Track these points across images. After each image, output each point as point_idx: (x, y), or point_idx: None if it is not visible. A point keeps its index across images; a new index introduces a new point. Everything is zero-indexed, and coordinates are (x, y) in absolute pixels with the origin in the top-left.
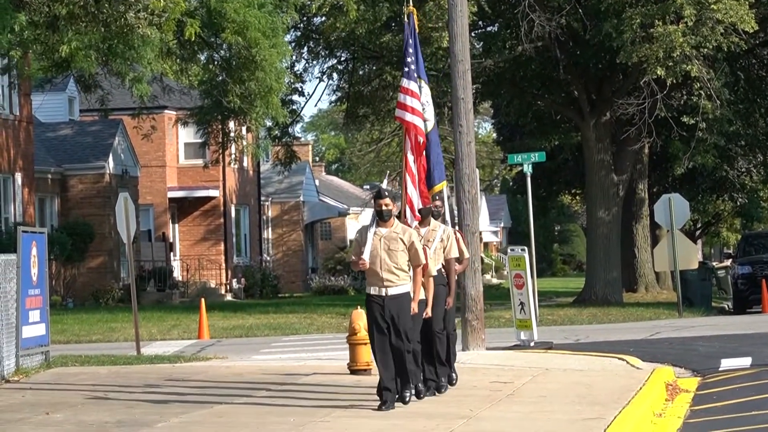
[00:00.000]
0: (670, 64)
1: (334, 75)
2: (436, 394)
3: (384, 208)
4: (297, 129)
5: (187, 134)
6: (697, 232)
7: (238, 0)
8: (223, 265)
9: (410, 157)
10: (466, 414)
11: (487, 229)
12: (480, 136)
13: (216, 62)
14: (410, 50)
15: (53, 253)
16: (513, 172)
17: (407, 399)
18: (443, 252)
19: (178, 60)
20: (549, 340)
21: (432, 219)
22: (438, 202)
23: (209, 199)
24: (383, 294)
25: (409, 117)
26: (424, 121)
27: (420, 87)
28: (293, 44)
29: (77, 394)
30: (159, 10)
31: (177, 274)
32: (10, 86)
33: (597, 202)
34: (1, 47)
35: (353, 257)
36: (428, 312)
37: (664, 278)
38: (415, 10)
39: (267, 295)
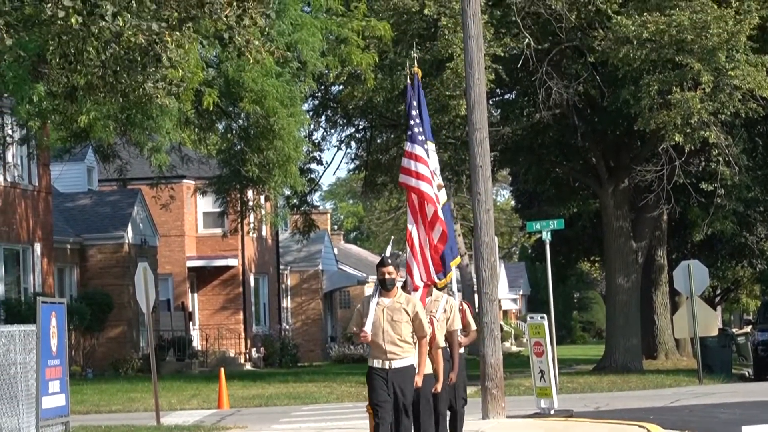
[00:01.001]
0: (688, 130)
1: (352, 143)
2: None
3: (387, 276)
4: (315, 198)
5: (206, 203)
6: (717, 299)
7: (256, 69)
8: (243, 334)
9: (411, 227)
10: None
11: (507, 296)
12: (498, 203)
13: (234, 131)
14: (413, 113)
15: (73, 324)
16: (532, 239)
17: None
18: (446, 323)
19: (196, 129)
20: (569, 408)
21: (435, 290)
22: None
23: (228, 268)
24: (387, 367)
25: (413, 182)
26: (434, 185)
27: (427, 150)
28: (311, 113)
29: None
30: (177, 80)
31: (196, 343)
32: (29, 156)
33: (616, 269)
34: (20, 118)
35: (354, 329)
36: (438, 387)
37: (684, 345)
38: (420, 71)
39: (286, 364)
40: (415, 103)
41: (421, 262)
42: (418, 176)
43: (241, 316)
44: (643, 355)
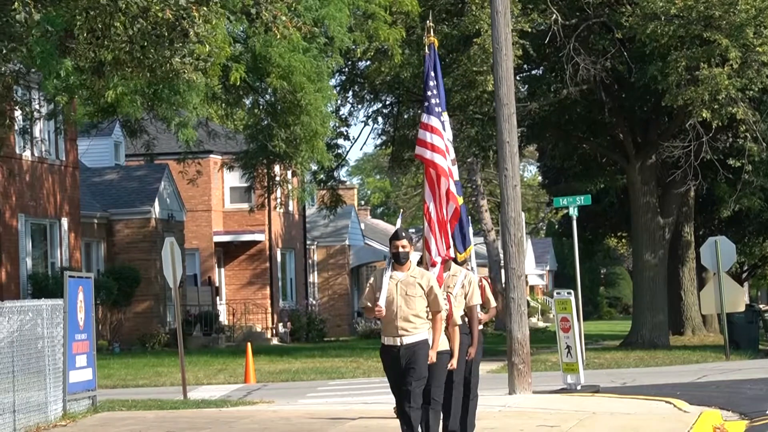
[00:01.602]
0: (715, 106)
1: (379, 119)
2: None
3: (401, 250)
4: (342, 173)
5: (233, 178)
6: (744, 275)
7: (283, 45)
8: (269, 309)
9: (428, 199)
10: None
11: (533, 272)
12: (525, 179)
13: (261, 107)
14: (431, 83)
15: (99, 298)
16: (559, 215)
17: None
18: (464, 299)
19: (223, 105)
20: (595, 383)
21: (453, 264)
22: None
23: (255, 243)
24: (398, 344)
25: (429, 155)
26: (448, 159)
27: (443, 122)
28: (338, 88)
29: None
30: (204, 55)
31: (223, 318)
32: (56, 132)
33: (643, 245)
34: (47, 93)
35: (368, 303)
36: (453, 363)
37: (711, 321)
38: (436, 40)
39: (313, 339)
40: (432, 74)
41: (440, 237)
42: (434, 149)
43: (267, 291)
44: (670, 331)
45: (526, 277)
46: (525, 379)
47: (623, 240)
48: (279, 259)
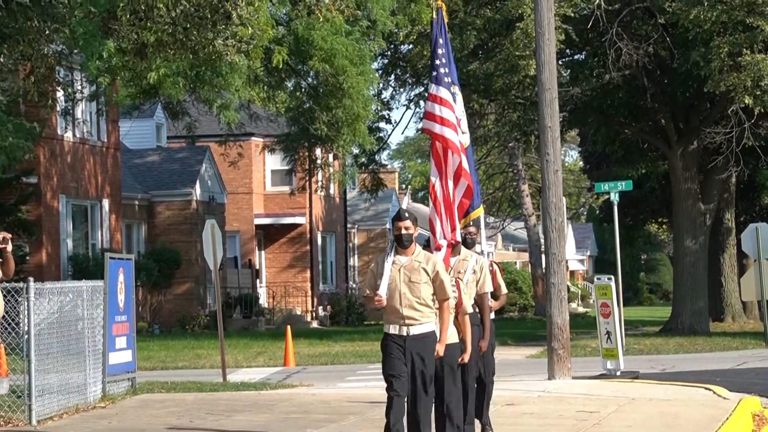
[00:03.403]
0: (758, 92)
1: (421, 102)
2: None
3: (404, 232)
4: (383, 156)
5: (274, 161)
6: None
7: (326, 28)
8: (309, 292)
9: (434, 178)
10: None
11: (574, 257)
12: (567, 164)
13: (303, 89)
14: (440, 51)
15: (140, 280)
16: (600, 200)
17: None
18: (476, 285)
19: (265, 87)
20: (635, 369)
21: (463, 248)
22: (472, 229)
23: (296, 226)
24: (404, 334)
25: (438, 129)
26: (459, 133)
27: (453, 94)
28: (380, 72)
29: (163, 421)
30: (247, 37)
31: (263, 301)
32: (98, 113)
33: (684, 231)
34: (89, 74)
35: (367, 291)
36: (464, 357)
37: (751, 308)
38: (444, 4)
39: (353, 322)
40: (441, 41)
41: (445, 219)
42: (443, 122)
43: (307, 274)
44: (710, 318)
45: (567, 262)
46: (564, 364)
47: (664, 226)
48: (319, 242)
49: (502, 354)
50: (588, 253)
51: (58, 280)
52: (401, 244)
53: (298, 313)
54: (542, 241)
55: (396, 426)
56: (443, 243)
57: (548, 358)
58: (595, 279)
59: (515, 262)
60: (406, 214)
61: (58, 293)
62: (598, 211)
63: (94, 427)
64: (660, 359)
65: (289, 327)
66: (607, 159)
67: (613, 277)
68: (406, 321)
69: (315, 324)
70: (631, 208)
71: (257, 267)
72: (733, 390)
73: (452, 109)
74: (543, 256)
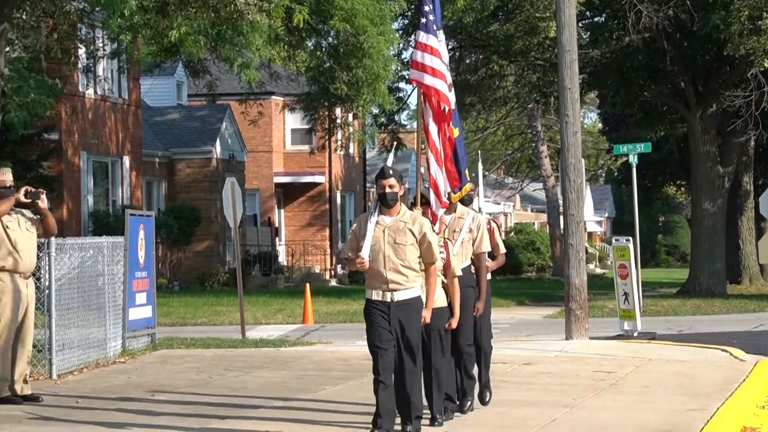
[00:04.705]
0: None
1: None
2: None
3: (388, 190)
4: (403, 117)
5: (294, 120)
6: None
7: None
8: (328, 250)
9: (432, 130)
10: (569, 403)
11: (592, 219)
12: (586, 126)
13: (323, 49)
14: None
15: (160, 237)
16: (618, 162)
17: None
18: (472, 244)
19: (285, 46)
20: (652, 330)
21: (459, 205)
22: (470, 185)
23: (315, 185)
24: (388, 299)
25: (428, 80)
26: (448, 84)
27: (440, 42)
28: (401, 32)
29: (182, 376)
30: None
31: (282, 259)
32: (119, 70)
33: (702, 193)
34: (111, 31)
35: (349, 253)
36: (452, 323)
37: None
38: None
39: None
40: None
41: (445, 176)
42: (434, 73)
43: (327, 232)
44: (727, 280)
45: (585, 223)
46: (582, 324)
47: (682, 188)
48: (339, 201)
49: (520, 314)
50: (606, 215)
51: (78, 236)
52: (385, 203)
53: (317, 271)
54: (560, 202)
55: (383, 375)
56: (448, 202)
57: (566, 318)
58: (613, 240)
59: (533, 223)
60: (391, 171)
61: (79, 249)
62: (616, 173)
63: (113, 382)
64: (677, 321)
65: (307, 285)
66: (626, 121)
67: (631, 238)
68: (390, 285)
69: (334, 282)
70: (649, 170)
71: (276, 225)
72: (749, 352)
73: (441, 57)
74: (561, 217)
